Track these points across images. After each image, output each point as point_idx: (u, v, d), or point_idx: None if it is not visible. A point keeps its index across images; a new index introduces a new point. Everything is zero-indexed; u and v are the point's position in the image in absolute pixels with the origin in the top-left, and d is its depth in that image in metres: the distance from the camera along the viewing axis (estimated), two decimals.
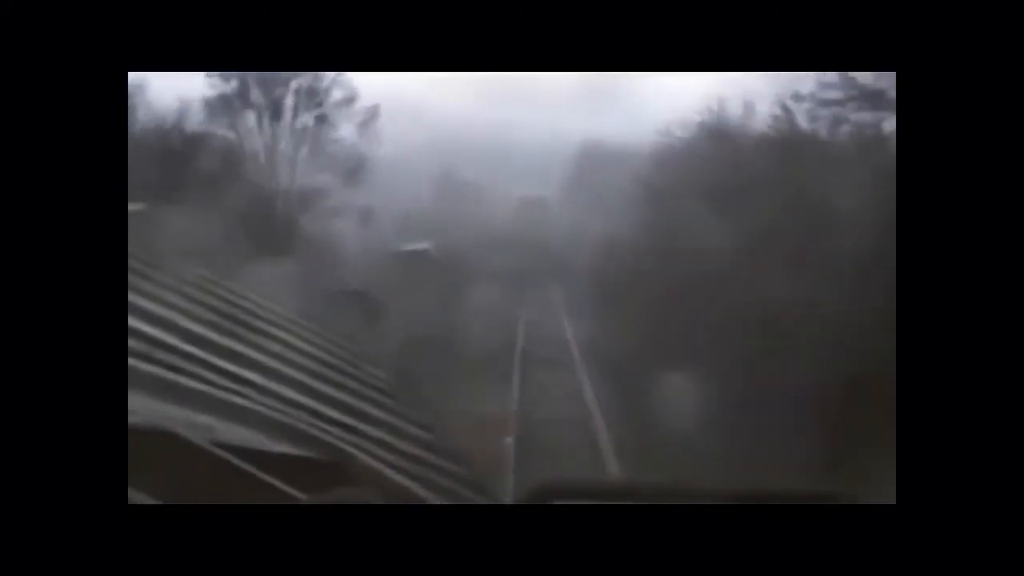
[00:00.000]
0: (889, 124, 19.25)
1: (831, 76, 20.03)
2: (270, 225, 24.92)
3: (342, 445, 3.94)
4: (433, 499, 3.86)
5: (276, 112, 28.43)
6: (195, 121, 25.87)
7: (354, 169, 28.17)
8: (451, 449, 5.19)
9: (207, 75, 26.30)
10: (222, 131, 26.50)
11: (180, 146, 21.93)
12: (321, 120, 28.63)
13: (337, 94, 28.48)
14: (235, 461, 2.98)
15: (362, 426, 4.64)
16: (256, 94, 28.14)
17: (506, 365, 21.30)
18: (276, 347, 5.47)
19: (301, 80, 27.80)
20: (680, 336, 19.09)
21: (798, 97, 21.13)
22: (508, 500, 11.08)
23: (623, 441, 15.04)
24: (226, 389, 3.96)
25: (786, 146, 21.42)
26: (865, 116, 20.25)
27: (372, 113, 28.68)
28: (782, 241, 17.47)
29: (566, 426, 16.05)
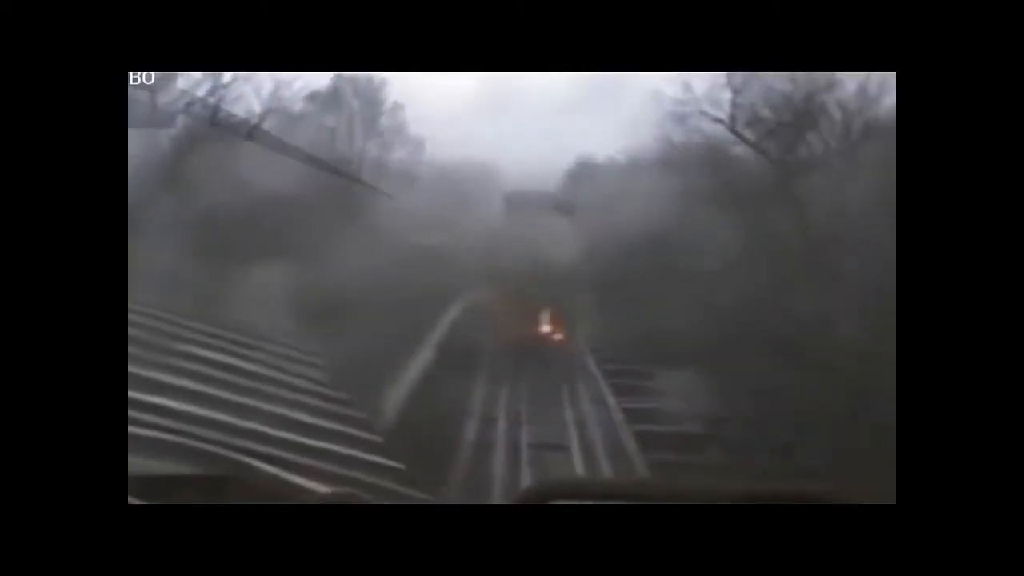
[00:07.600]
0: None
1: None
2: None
3: (238, 457, 3.82)
4: (369, 499, 3.83)
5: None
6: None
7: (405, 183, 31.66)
8: (388, 447, 5.12)
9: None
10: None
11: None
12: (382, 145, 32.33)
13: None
14: None
15: (272, 432, 4.54)
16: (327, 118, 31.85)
17: (500, 364, 21.29)
18: (189, 365, 5.37)
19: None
20: (678, 342, 19.06)
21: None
22: (496, 500, 11.12)
23: (615, 446, 15.00)
24: None
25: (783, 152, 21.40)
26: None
27: (418, 143, 32.40)
28: (783, 249, 17.41)
29: (555, 428, 16.02)
